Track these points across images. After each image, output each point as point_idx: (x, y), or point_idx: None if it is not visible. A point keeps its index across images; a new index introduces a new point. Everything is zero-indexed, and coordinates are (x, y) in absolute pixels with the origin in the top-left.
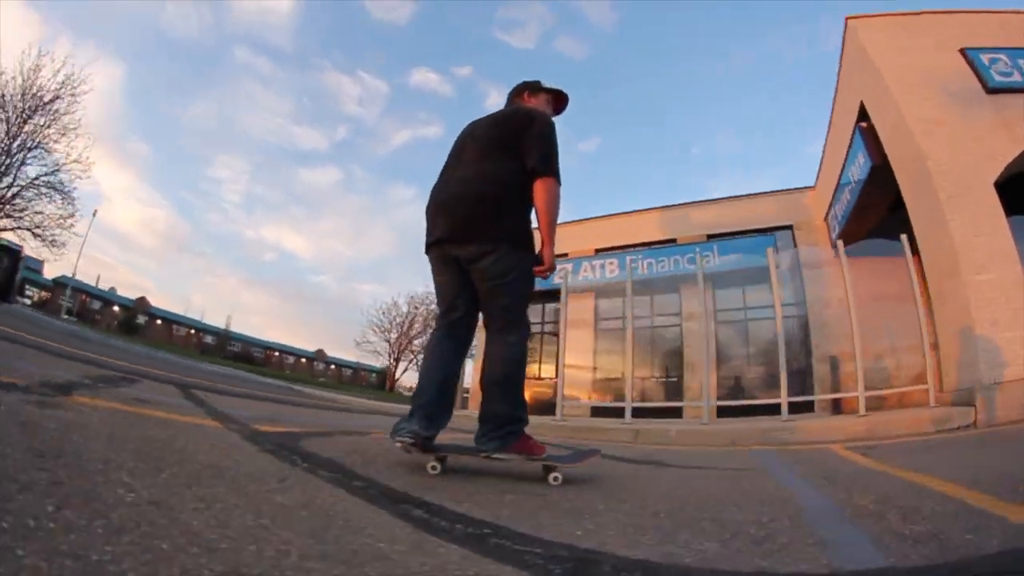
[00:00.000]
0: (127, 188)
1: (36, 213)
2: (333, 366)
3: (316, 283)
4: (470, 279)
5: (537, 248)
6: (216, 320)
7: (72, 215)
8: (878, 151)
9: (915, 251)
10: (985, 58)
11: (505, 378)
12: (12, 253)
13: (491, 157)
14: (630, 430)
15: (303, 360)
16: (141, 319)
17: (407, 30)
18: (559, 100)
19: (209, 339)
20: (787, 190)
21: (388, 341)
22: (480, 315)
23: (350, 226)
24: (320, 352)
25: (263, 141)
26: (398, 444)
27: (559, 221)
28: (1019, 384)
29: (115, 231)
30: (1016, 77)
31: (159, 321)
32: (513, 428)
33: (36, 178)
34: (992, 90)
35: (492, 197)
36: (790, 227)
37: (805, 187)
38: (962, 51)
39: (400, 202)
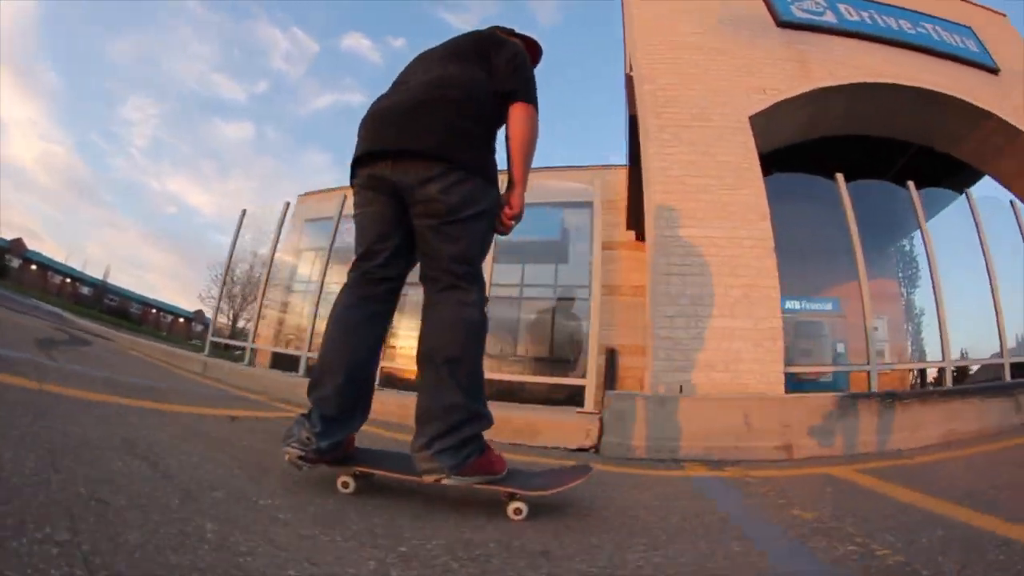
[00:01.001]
0: (31, 120)
1: None
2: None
3: (218, 243)
4: (405, 218)
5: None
6: (98, 272)
7: None
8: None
9: None
10: None
11: (462, 352)
12: None
13: (453, 63)
14: None
15: (181, 320)
16: (14, 261)
17: None
18: (532, 49)
19: (86, 290)
20: (592, 166)
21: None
22: (413, 270)
23: (258, 189)
24: (199, 313)
25: (182, 86)
26: (285, 458)
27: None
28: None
29: (10, 166)
30: (797, 12)
31: (34, 266)
32: (473, 431)
33: None
34: (786, 23)
35: (453, 102)
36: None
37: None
38: None
39: (313, 169)
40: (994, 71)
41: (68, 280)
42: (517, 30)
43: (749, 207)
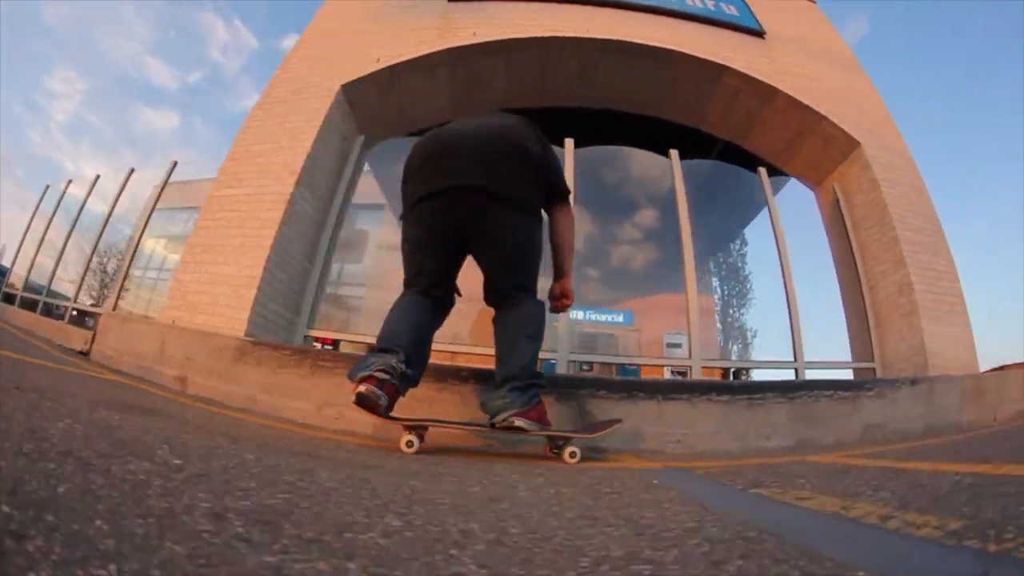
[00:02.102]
0: None
1: None
2: None
3: (127, 236)
4: (462, 251)
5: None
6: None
7: None
8: None
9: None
10: None
11: (534, 330)
12: None
13: (524, 139)
14: None
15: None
16: None
17: None
18: None
19: None
20: None
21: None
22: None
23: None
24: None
25: (113, 64)
26: (361, 389)
27: None
28: None
29: None
30: None
31: None
32: (538, 383)
33: None
34: None
35: (523, 159)
36: None
37: None
38: None
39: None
40: (759, 35)
41: None
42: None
43: (285, 165)
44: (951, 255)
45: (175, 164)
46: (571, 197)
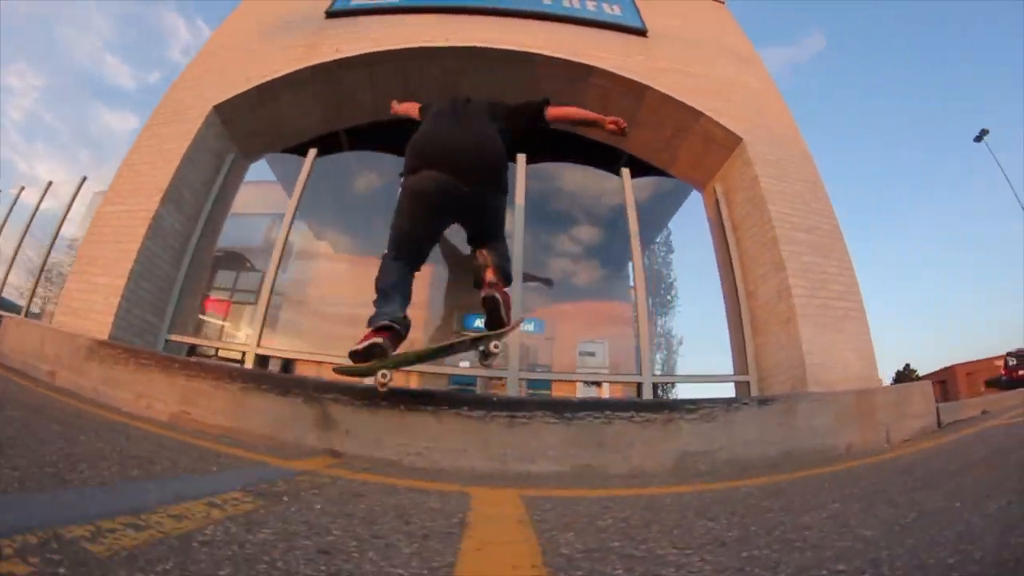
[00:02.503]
0: None
1: None
2: None
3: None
4: (445, 222)
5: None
6: None
7: None
8: None
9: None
10: None
11: (502, 257)
12: None
13: (489, 123)
14: None
15: None
16: None
17: None
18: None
19: None
20: None
21: None
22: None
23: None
24: None
25: (70, 60)
26: (377, 338)
27: None
28: None
29: None
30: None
31: None
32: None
33: None
34: (333, 12)
35: (500, 152)
36: None
37: None
38: None
39: None
40: (642, 33)
41: None
42: None
43: (155, 184)
44: (848, 255)
45: (83, 180)
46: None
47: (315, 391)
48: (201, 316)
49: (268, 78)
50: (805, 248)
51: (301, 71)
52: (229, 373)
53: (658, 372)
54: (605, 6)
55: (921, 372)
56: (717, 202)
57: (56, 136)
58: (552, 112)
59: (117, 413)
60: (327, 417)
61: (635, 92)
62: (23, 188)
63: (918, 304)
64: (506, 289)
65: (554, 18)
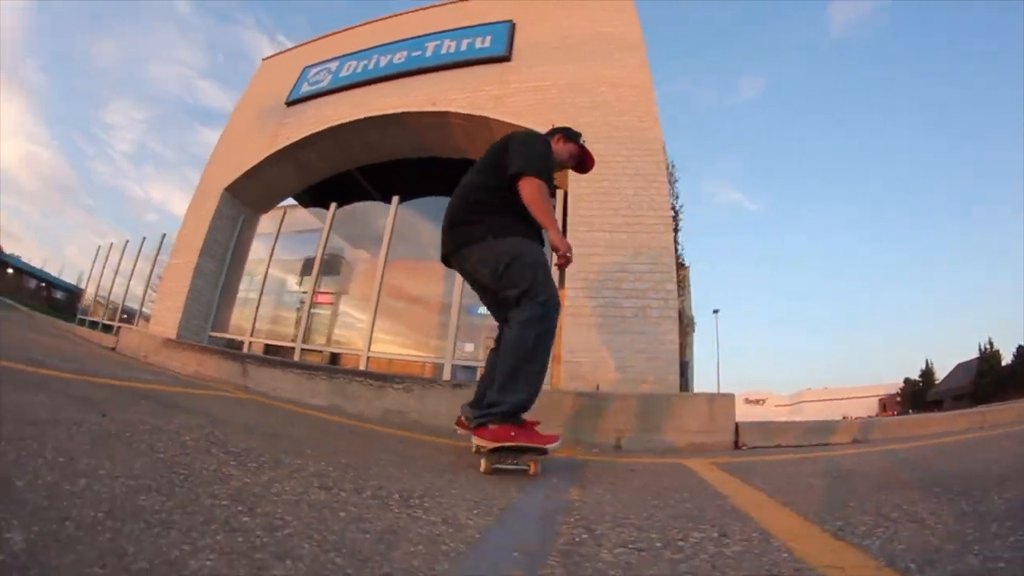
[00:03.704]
0: (12, 119)
1: None
2: None
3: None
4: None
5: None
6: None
7: None
8: None
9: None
10: (312, 72)
11: (503, 361)
12: None
13: (471, 174)
14: None
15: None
16: None
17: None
18: (584, 154)
19: (60, 295)
20: None
21: None
22: None
23: None
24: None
25: (167, 91)
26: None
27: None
28: None
29: None
30: (304, 88)
31: (10, 270)
32: (485, 414)
33: None
34: (290, 102)
35: (464, 206)
36: None
37: None
38: (305, 68)
39: None
40: (505, 59)
41: (43, 284)
42: (581, 138)
43: (194, 244)
44: (670, 253)
45: (163, 236)
46: (526, 168)
47: (231, 349)
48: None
49: (251, 164)
50: (602, 248)
51: (270, 156)
52: (202, 349)
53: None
54: (478, 40)
55: None
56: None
57: (162, 159)
58: (522, 192)
59: (177, 373)
60: (245, 371)
61: (483, 123)
62: (164, 235)
63: None
64: (511, 425)
65: (422, 71)
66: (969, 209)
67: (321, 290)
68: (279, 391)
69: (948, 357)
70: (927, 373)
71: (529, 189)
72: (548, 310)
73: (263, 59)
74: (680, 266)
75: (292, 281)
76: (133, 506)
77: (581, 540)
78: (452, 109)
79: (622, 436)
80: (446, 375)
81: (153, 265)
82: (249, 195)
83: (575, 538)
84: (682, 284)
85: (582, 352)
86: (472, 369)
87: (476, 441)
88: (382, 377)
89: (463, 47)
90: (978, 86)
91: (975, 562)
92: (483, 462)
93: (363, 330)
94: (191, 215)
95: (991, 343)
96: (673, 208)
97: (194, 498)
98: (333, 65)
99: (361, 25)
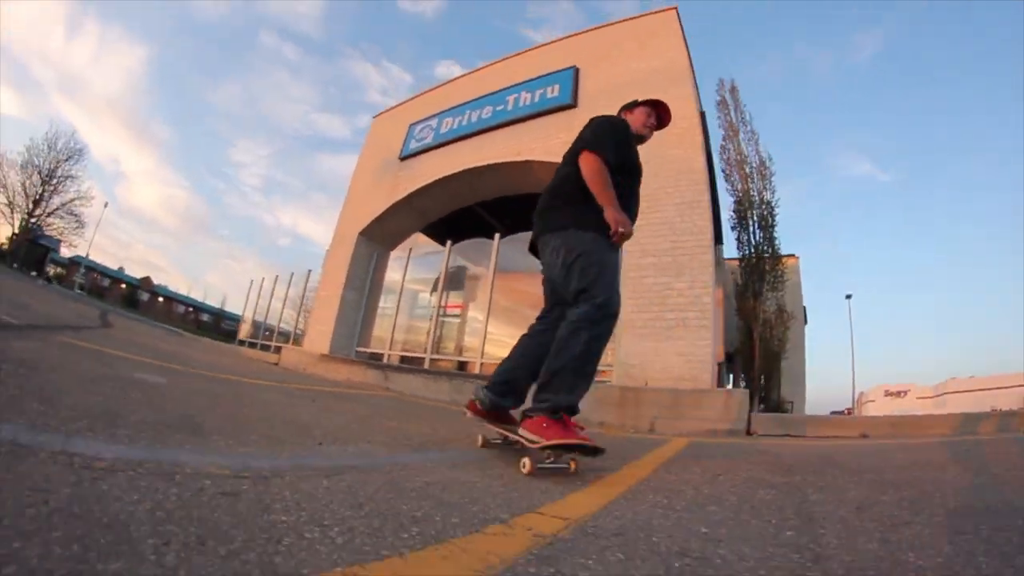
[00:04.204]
0: (149, 170)
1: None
2: None
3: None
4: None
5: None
6: (217, 301)
7: (79, 226)
8: None
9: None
10: (417, 129)
11: (554, 357)
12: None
13: (561, 165)
14: None
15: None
16: (144, 295)
17: (435, 22)
18: (657, 109)
19: (206, 317)
20: None
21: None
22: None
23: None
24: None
25: (286, 127)
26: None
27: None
28: None
29: (136, 210)
30: (412, 144)
31: (161, 299)
32: (533, 407)
33: (56, 208)
34: (402, 157)
35: (552, 192)
36: None
37: None
38: (410, 126)
39: None
40: (571, 107)
41: (190, 309)
42: (639, 100)
43: (338, 278)
44: (708, 269)
45: (309, 272)
46: (588, 144)
47: (373, 359)
48: (441, 318)
49: (378, 212)
50: (652, 271)
51: (392, 205)
52: (351, 361)
53: None
54: (549, 90)
55: None
56: None
57: (289, 189)
58: (581, 168)
59: (333, 380)
60: (387, 376)
61: (555, 167)
62: (310, 271)
63: None
64: (552, 418)
65: (503, 125)
66: None
67: (448, 303)
68: (413, 389)
69: None
70: None
71: (587, 164)
72: (605, 313)
73: (373, 117)
74: (778, 257)
75: (424, 296)
76: (342, 428)
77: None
78: (532, 158)
79: (655, 421)
80: None
81: (303, 294)
82: (379, 235)
83: None
84: (780, 278)
85: (634, 356)
86: None
87: (524, 434)
88: (485, 378)
89: (536, 99)
90: None
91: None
92: (527, 462)
93: (479, 337)
94: (329, 257)
95: None
96: (768, 204)
97: (370, 428)
98: (433, 122)
99: (452, 81)
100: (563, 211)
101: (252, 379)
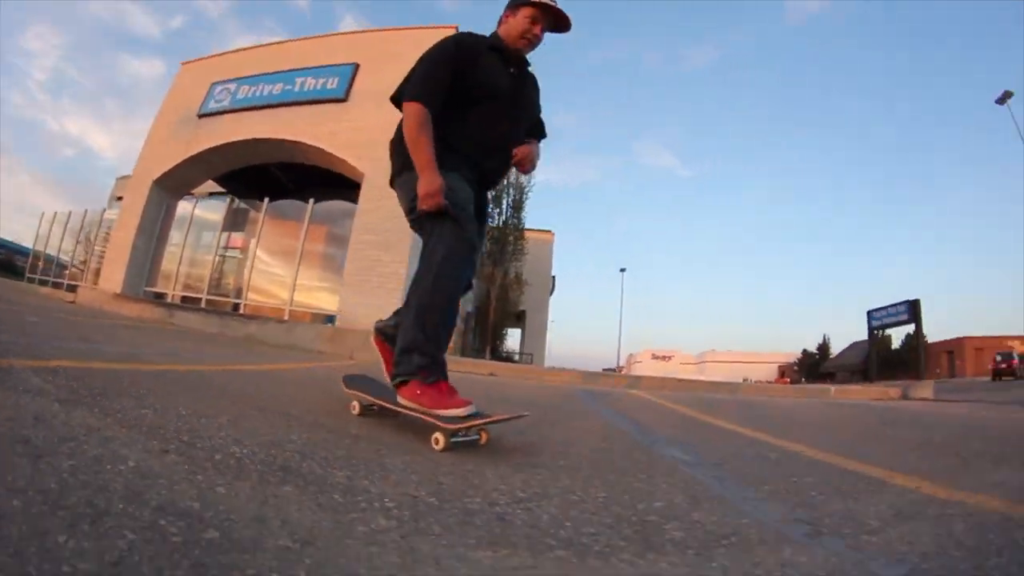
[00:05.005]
0: None
1: None
2: None
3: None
4: None
5: None
6: None
7: None
8: None
9: None
10: (217, 89)
11: (406, 302)
12: None
13: None
14: None
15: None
16: None
17: None
18: (547, 13)
19: None
20: None
21: None
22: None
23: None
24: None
25: (89, 13)
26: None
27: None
28: None
29: None
30: (211, 104)
31: None
32: (399, 368)
33: None
34: (201, 115)
35: (394, 138)
36: None
37: None
38: (212, 84)
39: None
40: (343, 100)
41: None
42: None
43: (135, 220)
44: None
45: (103, 211)
46: (404, 92)
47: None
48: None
49: (173, 164)
50: (373, 250)
51: (188, 159)
52: (141, 299)
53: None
54: (329, 81)
55: (931, 339)
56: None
57: (80, 90)
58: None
59: (126, 317)
60: (171, 314)
61: (321, 152)
62: (104, 210)
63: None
64: (421, 381)
65: (289, 104)
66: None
67: (230, 243)
68: (190, 323)
69: (846, 336)
70: (823, 347)
71: (404, 118)
72: (436, 257)
73: (182, 63)
74: (521, 231)
75: (208, 236)
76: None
77: None
78: (303, 140)
79: (354, 353)
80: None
81: (96, 232)
82: (171, 185)
83: None
84: (521, 250)
85: (348, 306)
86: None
87: (403, 403)
88: (246, 317)
89: (318, 86)
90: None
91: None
92: (441, 438)
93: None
94: (127, 199)
95: (883, 328)
96: (522, 187)
97: (155, 339)
98: (232, 87)
99: (254, 48)
100: (396, 155)
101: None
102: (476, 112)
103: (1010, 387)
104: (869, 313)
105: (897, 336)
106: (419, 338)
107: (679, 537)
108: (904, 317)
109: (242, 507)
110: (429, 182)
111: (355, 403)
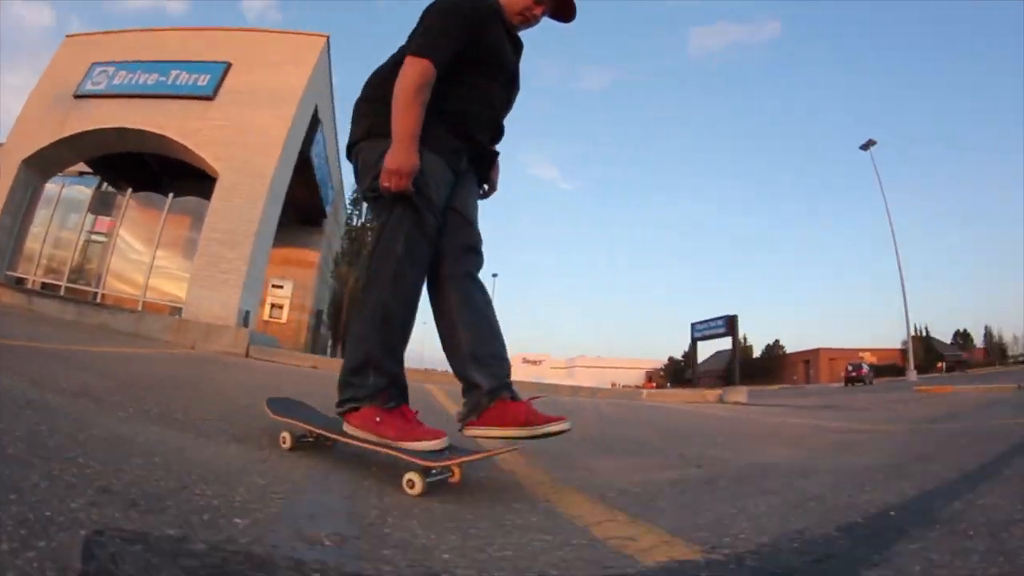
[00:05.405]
0: None
1: None
2: None
3: None
4: None
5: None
6: None
7: None
8: None
9: None
10: (96, 71)
11: (363, 311)
12: None
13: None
14: None
15: None
16: None
17: None
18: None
19: None
20: None
21: None
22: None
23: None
24: None
25: None
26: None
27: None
28: None
29: None
30: (88, 85)
31: None
32: (349, 391)
33: None
34: (76, 95)
35: (361, 96)
36: None
37: None
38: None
39: None
40: (209, 98)
41: None
42: None
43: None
44: (248, 249)
45: None
46: (410, 45)
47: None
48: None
49: (43, 144)
50: (218, 247)
51: (59, 140)
52: (2, 285)
53: None
54: (200, 78)
55: (789, 349)
56: None
57: None
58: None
59: None
60: (31, 300)
61: (184, 148)
62: None
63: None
64: (368, 411)
65: (162, 96)
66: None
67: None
68: (49, 311)
69: (714, 344)
70: (689, 355)
71: (402, 74)
72: (402, 249)
73: (67, 36)
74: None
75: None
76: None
77: None
78: (169, 135)
79: (196, 343)
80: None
81: None
82: (39, 166)
83: None
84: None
85: (194, 298)
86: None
87: (354, 433)
88: (101, 306)
89: (190, 81)
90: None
91: None
92: (416, 479)
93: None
94: None
95: (745, 338)
96: None
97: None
98: (110, 70)
99: (139, 31)
100: (363, 117)
101: None
102: (479, 82)
103: (833, 392)
104: (693, 325)
105: (758, 346)
106: (375, 353)
107: None
108: (722, 330)
109: None
110: (404, 158)
111: (285, 435)
